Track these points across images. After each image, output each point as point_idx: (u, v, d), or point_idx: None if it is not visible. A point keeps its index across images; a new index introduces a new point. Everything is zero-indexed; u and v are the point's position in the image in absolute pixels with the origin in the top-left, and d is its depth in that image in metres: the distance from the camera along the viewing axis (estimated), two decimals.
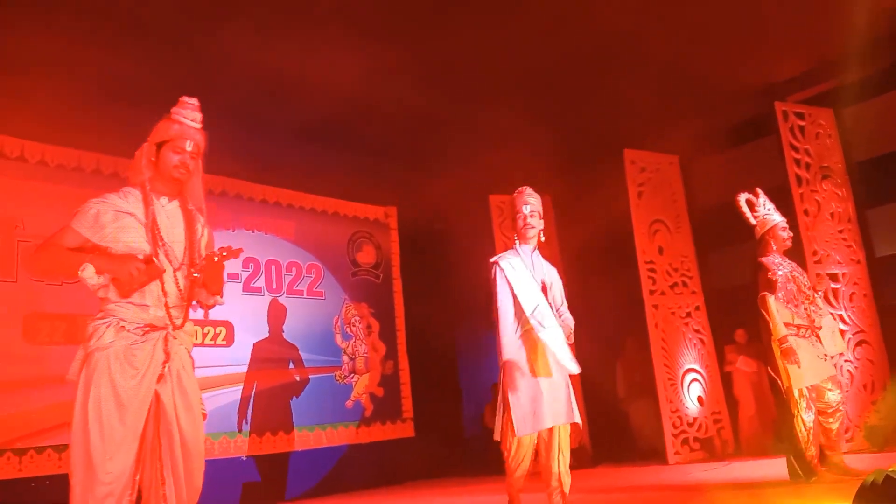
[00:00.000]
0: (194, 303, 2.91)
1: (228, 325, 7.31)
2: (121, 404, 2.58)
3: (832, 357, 5.22)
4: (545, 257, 4.32)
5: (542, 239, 4.24)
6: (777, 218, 5.19)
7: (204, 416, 2.85)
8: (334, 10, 5.70)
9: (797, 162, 7.29)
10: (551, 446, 3.99)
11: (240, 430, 7.13)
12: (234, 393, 7.19)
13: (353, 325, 8.59)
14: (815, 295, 5.06)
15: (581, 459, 8.22)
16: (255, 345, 7.52)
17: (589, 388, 8.66)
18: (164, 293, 2.76)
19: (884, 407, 6.87)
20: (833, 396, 4.82)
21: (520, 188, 4.26)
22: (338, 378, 8.24)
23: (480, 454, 8.33)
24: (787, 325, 4.80)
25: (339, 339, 8.39)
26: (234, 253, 2.82)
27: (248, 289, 7.61)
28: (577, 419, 4.05)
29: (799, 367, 4.67)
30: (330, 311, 8.38)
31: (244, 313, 7.51)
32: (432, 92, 6.85)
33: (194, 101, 2.97)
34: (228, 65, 6.06)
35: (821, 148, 7.45)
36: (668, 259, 8.06)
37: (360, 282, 8.81)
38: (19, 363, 5.95)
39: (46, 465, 5.88)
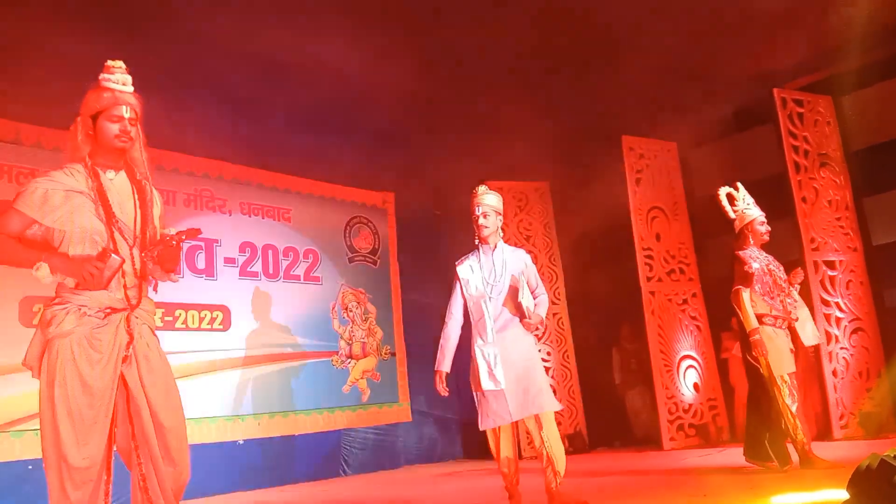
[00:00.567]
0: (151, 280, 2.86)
1: (225, 310, 7.30)
2: (88, 390, 2.53)
3: (810, 349, 5.60)
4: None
5: (499, 234, 4.38)
6: (756, 212, 5.29)
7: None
8: None
9: (795, 149, 7.28)
10: (536, 434, 4.17)
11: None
12: (231, 377, 7.20)
13: (350, 311, 8.59)
14: (791, 288, 5.18)
15: (577, 445, 8.28)
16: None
17: (585, 374, 8.71)
18: (123, 274, 2.68)
19: (878, 394, 6.92)
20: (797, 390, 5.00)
21: (475, 188, 4.38)
22: (335, 363, 8.25)
23: (476, 439, 8.36)
24: (764, 315, 4.99)
25: (335, 324, 8.40)
26: (191, 234, 2.75)
27: (244, 273, 7.60)
28: (544, 409, 4.13)
29: (767, 355, 4.87)
30: (327, 297, 8.38)
31: (241, 298, 7.50)
32: (431, 78, 6.82)
33: (121, 63, 2.83)
34: (225, 49, 6.02)
35: (819, 135, 7.45)
36: (666, 246, 8.07)
37: (357, 267, 8.81)
38: (15, 346, 5.93)
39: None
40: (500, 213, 4.36)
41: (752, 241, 5.23)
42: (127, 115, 2.75)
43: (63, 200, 2.63)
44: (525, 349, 4.23)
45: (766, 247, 5.36)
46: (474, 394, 4.25)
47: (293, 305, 7.99)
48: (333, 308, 8.44)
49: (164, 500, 2.61)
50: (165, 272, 2.85)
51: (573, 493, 4.21)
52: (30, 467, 5.78)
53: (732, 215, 5.31)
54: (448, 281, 4.63)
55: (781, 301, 5.06)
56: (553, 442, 4.12)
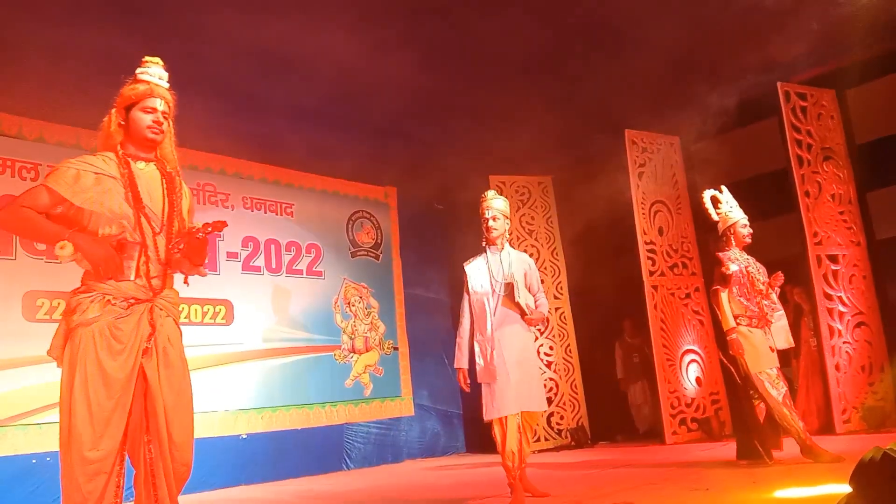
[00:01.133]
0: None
1: (228, 304, 7.32)
2: (107, 380, 2.52)
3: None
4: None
5: (507, 237, 4.71)
6: (738, 215, 5.47)
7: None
8: None
9: (799, 143, 7.26)
10: (522, 429, 4.46)
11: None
12: (234, 371, 7.22)
13: (353, 305, 8.60)
14: (771, 291, 5.34)
15: (580, 439, 8.29)
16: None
17: (587, 368, 8.71)
18: (147, 260, 2.68)
19: (881, 388, 6.91)
20: (782, 387, 5.12)
21: (483, 193, 4.71)
22: (337, 357, 8.26)
23: (478, 432, 8.38)
24: (740, 315, 5.18)
25: (338, 318, 8.40)
26: (217, 227, 2.74)
27: (247, 268, 7.61)
28: (539, 408, 4.54)
29: (744, 353, 5.06)
30: (329, 291, 8.39)
31: (244, 292, 7.52)
32: (433, 71, 6.80)
33: (158, 59, 2.87)
34: (227, 42, 6.01)
35: (823, 129, 7.43)
36: (668, 240, 8.06)
37: (359, 262, 8.81)
38: (18, 341, 5.96)
39: (48, 441, 5.91)
40: (507, 217, 4.65)
41: (734, 243, 5.40)
42: (160, 108, 2.79)
43: (94, 182, 2.64)
44: (523, 345, 4.49)
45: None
46: (482, 387, 4.44)
47: (296, 300, 8.00)
48: (336, 302, 8.45)
49: (170, 496, 2.61)
50: (193, 265, 2.86)
51: (539, 483, 4.61)
52: (34, 461, 5.80)
53: (716, 217, 5.52)
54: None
55: (758, 303, 5.23)
56: (530, 438, 4.52)
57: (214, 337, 7.14)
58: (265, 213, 7.95)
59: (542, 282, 8.73)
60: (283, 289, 7.92)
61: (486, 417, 4.39)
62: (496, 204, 4.62)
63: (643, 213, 7.91)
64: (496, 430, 4.39)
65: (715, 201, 5.54)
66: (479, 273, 4.58)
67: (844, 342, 6.98)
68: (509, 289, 4.45)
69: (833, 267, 7.11)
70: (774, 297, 5.40)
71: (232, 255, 7.51)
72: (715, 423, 7.74)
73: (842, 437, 6.47)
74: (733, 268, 5.23)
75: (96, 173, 2.66)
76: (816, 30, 6.76)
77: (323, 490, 6.22)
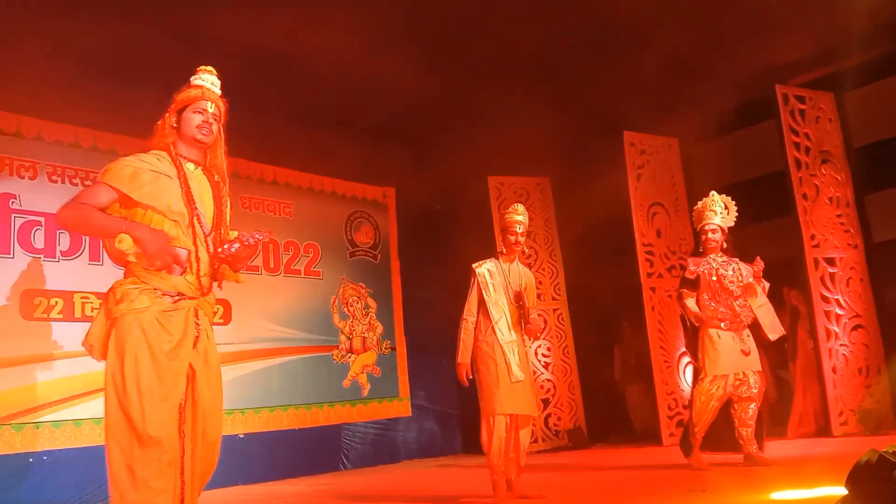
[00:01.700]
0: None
1: (226, 304, 7.31)
2: (158, 368, 2.53)
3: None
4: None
5: (526, 251, 4.87)
6: (708, 218, 5.53)
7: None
8: None
9: (797, 146, 7.28)
10: (513, 431, 4.61)
11: None
12: (231, 371, 7.21)
13: (351, 305, 8.59)
14: (753, 289, 5.41)
15: (577, 440, 8.29)
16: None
17: (585, 369, 8.72)
18: (197, 260, 2.74)
19: (877, 391, 6.93)
20: (744, 389, 5.24)
21: (514, 205, 4.87)
22: (335, 357, 8.26)
23: (476, 433, 8.38)
24: (710, 318, 5.30)
25: (336, 318, 8.40)
26: (267, 236, 2.90)
27: (245, 267, 7.61)
28: (533, 412, 4.70)
29: (705, 354, 5.24)
30: (327, 291, 8.38)
31: (241, 292, 7.49)
32: (433, 72, 6.81)
33: (212, 68, 2.98)
34: (224, 42, 6.00)
35: (821, 132, 7.44)
36: (666, 242, 8.07)
37: (357, 262, 8.80)
38: (16, 339, 5.95)
39: (43, 440, 5.91)
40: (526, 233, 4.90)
41: (704, 248, 5.50)
42: (210, 110, 2.88)
43: (151, 179, 2.69)
44: (525, 352, 4.74)
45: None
46: (482, 384, 4.60)
47: (294, 300, 7.99)
48: (334, 302, 8.44)
49: (192, 495, 2.64)
50: (234, 271, 2.94)
51: (530, 487, 4.69)
52: (30, 460, 5.80)
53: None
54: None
55: (730, 305, 5.28)
56: (525, 442, 4.64)
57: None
58: (263, 212, 7.94)
59: (540, 283, 8.80)
60: (281, 289, 7.91)
61: (499, 411, 4.48)
62: (526, 219, 4.83)
63: (641, 215, 7.91)
64: (494, 430, 4.50)
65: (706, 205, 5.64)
66: (495, 278, 4.76)
67: (841, 345, 7.00)
68: (520, 299, 4.69)
69: (830, 270, 7.13)
70: (760, 290, 5.45)
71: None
72: None
73: (838, 440, 6.48)
74: (699, 270, 5.34)
75: (152, 170, 2.72)
76: (815, 33, 6.78)
77: (320, 490, 6.22)
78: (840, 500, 2.31)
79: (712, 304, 5.30)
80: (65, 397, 6.10)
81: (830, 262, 7.15)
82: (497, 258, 4.87)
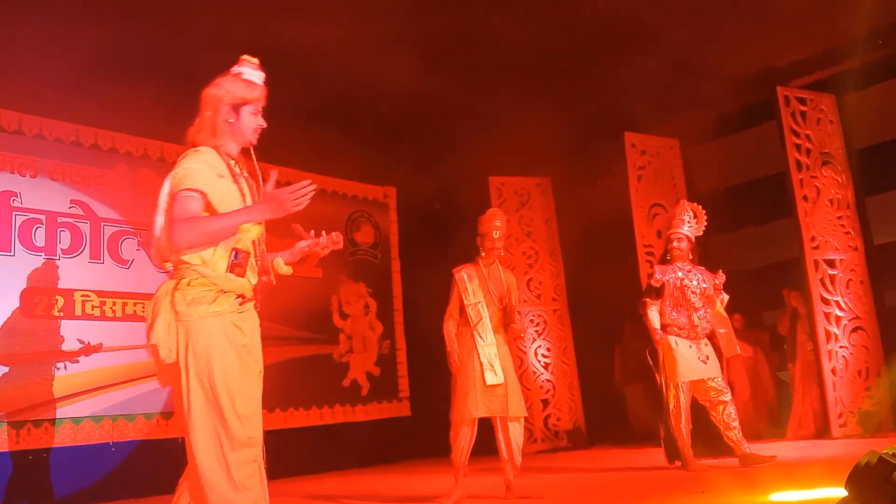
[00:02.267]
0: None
1: None
2: (245, 369, 2.50)
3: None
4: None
5: (503, 253, 5.00)
6: (675, 227, 5.64)
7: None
8: None
9: (798, 147, 7.27)
10: (504, 433, 4.69)
11: None
12: None
13: (351, 305, 8.60)
14: (713, 301, 5.57)
15: (576, 441, 8.30)
16: None
17: (585, 370, 8.72)
18: (256, 260, 2.68)
19: (877, 393, 6.92)
20: (713, 395, 5.38)
21: (491, 210, 5.00)
22: (335, 357, 8.26)
23: (477, 436, 8.38)
24: (669, 325, 5.44)
25: (336, 317, 8.40)
26: (338, 244, 2.98)
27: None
28: (517, 413, 4.67)
29: (665, 362, 5.38)
30: (328, 290, 8.39)
31: None
32: (433, 72, 6.80)
33: (256, 60, 2.84)
34: (225, 40, 5.98)
35: (822, 134, 7.44)
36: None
37: (358, 261, 8.81)
38: (16, 337, 5.95)
39: (43, 438, 5.91)
40: (504, 237, 4.96)
41: (671, 256, 5.60)
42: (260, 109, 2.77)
43: (216, 180, 2.57)
44: (508, 354, 4.80)
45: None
46: (462, 387, 4.71)
47: (294, 299, 8.00)
48: (335, 302, 8.45)
49: None
50: (278, 270, 2.91)
51: (528, 487, 4.76)
52: (30, 458, 5.81)
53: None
54: (450, 276, 4.89)
55: (688, 315, 5.43)
56: (518, 442, 4.67)
57: None
58: None
59: (541, 283, 8.80)
60: (281, 288, 7.90)
61: (473, 414, 4.65)
62: (504, 223, 4.91)
63: (642, 216, 7.90)
64: (462, 431, 4.73)
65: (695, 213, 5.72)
66: (470, 283, 4.83)
67: (841, 347, 6.99)
68: (503, 301, 4.77)
69: (830, 271, 7.12)
70: (720, 305, 5.64)
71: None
72: None
73: (838, 442, 6.48)
74: (665, 277, 5.46)
75: (214, 171, 2.59)
76: (816, 34, 6.79)
77: (320, 490, 6.22)
78: (840, 501, 2.31)
79: (673, 313, 5.46)
80: (66, 395, 6.10)
81: (830, 263, 7.15)
82: (477, 262, 4.93)
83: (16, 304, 6.00)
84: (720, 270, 5.62)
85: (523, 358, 8.49)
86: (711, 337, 5.59)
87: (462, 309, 4.81)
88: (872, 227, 7.51)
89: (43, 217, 6.28)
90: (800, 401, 7.30)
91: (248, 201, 2.65)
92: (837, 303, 7.08)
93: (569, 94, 7.44)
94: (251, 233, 2.64)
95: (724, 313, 5.73)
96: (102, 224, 6.64)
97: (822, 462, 5.20)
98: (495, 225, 4.85)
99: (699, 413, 5.48)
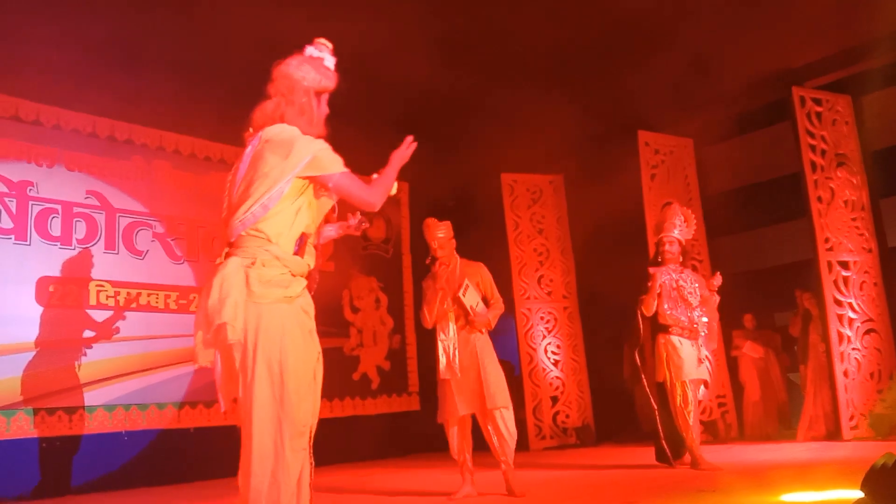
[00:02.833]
0: None
1: None
2: (310, 354, 2.52)
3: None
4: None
5: (456, 256, 5.08)
6: (666, 230, 5.71)
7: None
8: None
9: (812, 148, 7.24)
10: (486, 429, 4.77)
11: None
12: None
13: (362, 299, 8.62)
14: (699, 304, 5.59)
15: (585, 438, 8.30)
16: None
17: (595, 368, 8.71)
18: (318, 239, 2.72)
19: (889, 396, 6.88)
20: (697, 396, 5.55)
21: (426, 221, 5.14)
22: (346, 350, 8.29)
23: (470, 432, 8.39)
24: (671, 325, 5.53)
25: (347, 311, 8.43)
26: (365, 224, 3.04)
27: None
28: (498, 404, 4.70)
29: (671, 362, 5.45)
30: (339, 284, 8.41)
31: None
32: (448, 68, 6.81)
33: (329, 44, 2.85)
34: (235, 35, 6.02)
35: (837, 135, 7.40)
36: None
37: (369, 256, 8.83)
38: (30, 325, 6.01)
39: (57, 425, 5.97)
40: (451, 238, 5.09)
41: (665, 259, 5.68)
42: None
43: None
44: (486, 347, 4.87)
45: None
46: (440, 392, 4.93)
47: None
48: (346, 296, 8.47)
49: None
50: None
51: (520, 482, 4.75)
52: (44, 445, 5.86)
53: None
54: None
55: (687, 315, 5.51)
56: (507, 434, 4.69)
57: None
58: None
59: (551, 280, 8.80)
60: None
61: (439, 419, 4.90)
62: (440, 234, 5.04)
63: (654, 215, 7.88)
64: (450, 432, 4.86)
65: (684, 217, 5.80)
66: (431, 288, 5.01)
67: (853, 349, 6.96)
68: (458, 299, 4.84)
69: (844, 273, 7.09)
70: (713, 304, 5.70)
71: None
72: (721, 425, 7.74)
73: (848, 444, 6.46)
74: (661, 280, 5.55)
75: None
76: (833, 35, 6.75)
77: (329, 483, 6.25)
78: (855, 502, 2.31)
79: (673, 312, 5.53)
80: (78, 384, 6.16)
81: (844, 265, 7.11)
82: (434, 267, 5.08)
83: (31, 292, 6.05)
84: (718, 273, 5.76)
85: (533, 355, 8.51)
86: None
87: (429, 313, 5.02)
88: (887, 230, 7.47)
89: (59, 207, 6.34)
90: (811, 402, 7.28)
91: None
92: (850, 305, 7.05)
93: (583, 91, 7.43)
94: (311, 216, 2.65)
95: (716, 313, 5.84)
96: (118, 215, 6.69)
97: (833, 464, 5.18)
98: (431, 235, 5.04)
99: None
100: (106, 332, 6.40)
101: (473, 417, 4.86)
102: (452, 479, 5.04)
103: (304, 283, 2.57)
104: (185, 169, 7.27)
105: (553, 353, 8.59)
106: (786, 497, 3.81)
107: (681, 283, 5.59)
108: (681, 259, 5.73)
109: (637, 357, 5.83)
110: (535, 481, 5.28)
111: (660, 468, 5.67)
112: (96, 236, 6.52)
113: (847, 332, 6.97)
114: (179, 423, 6.71)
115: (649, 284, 5.60)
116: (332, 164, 2.59)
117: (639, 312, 5.69)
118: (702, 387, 5.65)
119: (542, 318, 8.67)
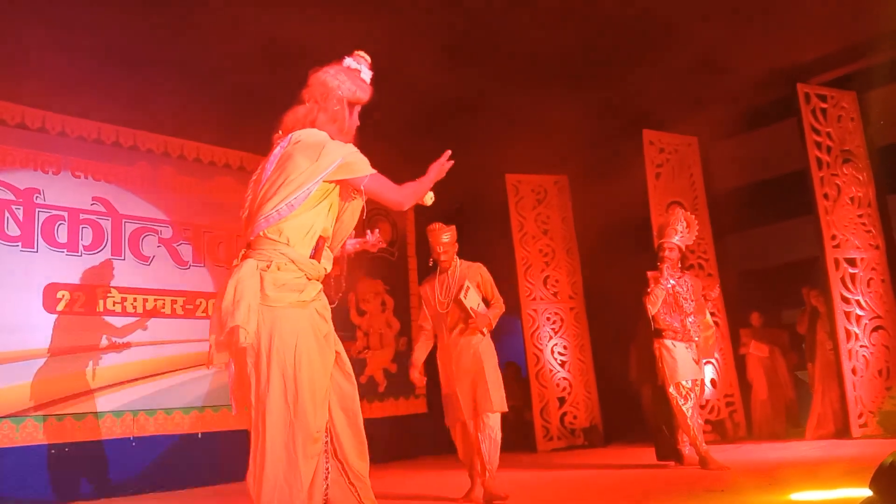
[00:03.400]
0: None
1: None
2: (324, 361, 2.52)
3: (704, 362, 6.35)
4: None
5: (457, 261, 5.07)
6: (668, 236, 5.76)
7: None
8: None
9: (818, 145, 7.22)
10: (476, 434, 4.76)
11: None
12: None
13: (368, 302, 8.63)
14: (696, 311, 5.69)
15: (593, 439, 8.29)
16: None
17: (603, 369, 8.70)
18: (333, 248, 2.76)
19: None
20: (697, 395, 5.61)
21: (431, 226, 5.13)
22: (352, 353, 8.30)
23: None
24: (666, 329, 5.60)
25: (354, 314, 8.44)
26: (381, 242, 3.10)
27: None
28: (490, 409, 4.69)
29: (665, 364, 5.52)
30: (345, 287, 8.41)
31: None
32: (451, 70, 6.81)
33: (368, 57, 2.90)
34: (246, 39, 6.03)
35: (842, 131, 7.38)
36: None
37: (375, 259, 8.83)
38: (38, 332, 6.03)
39: (66, 432, 5.99)
40: (455, 243, 5.10)
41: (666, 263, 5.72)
42: None
43: None
44: (474, 354, 4.82)
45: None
46: (443, 395, 4.95)
47: None
48: (352, 299, 8.48)
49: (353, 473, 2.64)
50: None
51: (501, 487, 4.69)
52: (52, 451, 5.87)
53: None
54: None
55: (682, 321, 5.61)
56: (485, 440, 4.65)
57: None
58: None
59: (557, 281, 8.79)
60: None
61: (447, 422, 4.91)
62: (444, 239, 5.03)
63: (660, 214, 7.88)
64: (455, 433, 4.89)
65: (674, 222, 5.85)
66: (430, 292, 5.03)
67: (861, 346, 6.94)
68: (459, 301, 4.84)
69: (851, 270, 7.06)
70: (708, 311, 5.91)
71: None
72: (729, 424, 7.71)
73: (857, 442, 6.43)
74: (659, 288, 5.61)
75: None
76: (838, 31, 6.72)
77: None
78: (864, 501, 2.30)
79: (667, 318, 5.62)
80: (87, 390, 6.17)
81: (851, 262, 7.09)
82: (434, 272, 5.12)
83: (38, 299, 6.07)
84: (718, 286, 6.07)
85: (539, 355, 8.49)
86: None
87: (433, 318, 5.02)
88: (894, 226, 7.44)
89: (65, 214, 6.36)
90: (819, 400, 7.25)
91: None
92: (858, 302, 7.02)
93: (587, 91, 7.41)
94: (330, 220, 2.69)
95: (710, 321, 6.00)
96: (124, 220, 6.71)
97: (842, 462, 5.16)
98: (436, 239, 5.04)
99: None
100: (125, 336, 6.45)
101: None
102: (461, 481, 5.04)
103: (320, 286, 2.58)
104: (190, 174, 7.28)
105: (560, 353, 8.57)
106: (795, 496, 3.80)
107: (677, 288, 5.67)
108: (679, 265, 5.79)
109: (644, 357, 5.89)
110: (542, 482, 5.28)
111: (667, 468, 5.66)
112: (103, 242, 6.54)
113: (855, 329, 6.94)
114: (188, 429, 6.72)
115: (647, 289, 5.69)
116: (363, 166, 2.62)
117: (646, 310, 5.71)
118: (707, 386, 5.66)
119: (548, 319, 8.66)
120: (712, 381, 7.81)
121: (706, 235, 8.20)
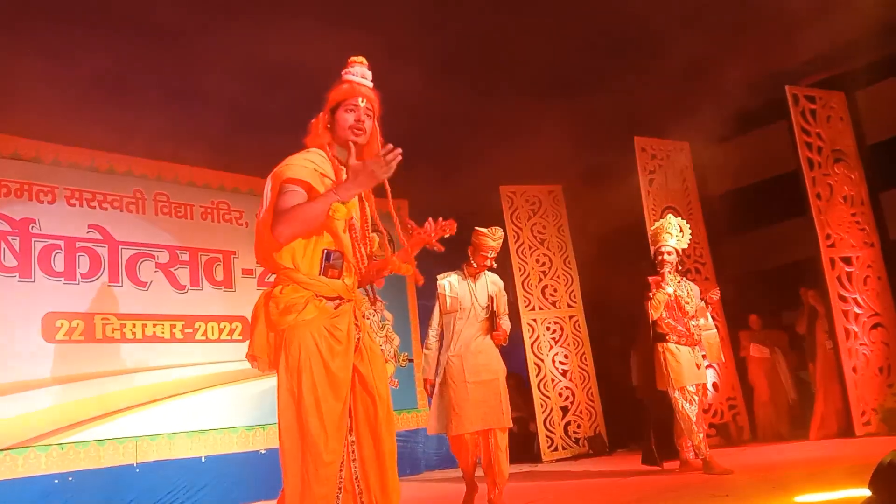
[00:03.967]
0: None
1: (244, 320, 7.36)
2: (334, 383, 2.44)
3: (707, 366, 6.35)
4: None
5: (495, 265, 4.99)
6: (663, 241, 5.79)
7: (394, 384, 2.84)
8: None
9: (809, 146, 7.25)
10: (488, 446, 4.67)
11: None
12: (252, 387, 7.26)
13: (367, 318, 8.60)
14: (697, 313, 5.74)
15: (597, 447, 8.27)
16: None
17: (603, 376, 8.69)
18: (357, 260, 2.69)
19: None
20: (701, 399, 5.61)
21: (492, 229, 4.93)
22: None
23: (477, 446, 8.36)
24: (668, 333, 5.59)
25: None
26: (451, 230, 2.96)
27: (262, 284, 7.65)
28: (504, 424, 4.65)
29: (669, 368, 5.49)
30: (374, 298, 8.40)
31: None
32: (443, 83, 6.84)
33: (362, 59, 2.80)
34: (229, 59, 6.04)
35: (833, 131, 7.42)
36: None
37: None
38: (38, 362, 6.02)
39: (69, 462, 5.97)
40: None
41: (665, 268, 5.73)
42: (362, 105, 2.70)
43: (320, 179, 2.57)
44: (488, 362, 4.74)
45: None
46: (444, 401, 4.75)
47: None
48: None
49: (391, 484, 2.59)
50: (379, 276, 2.97)
51: (509, 500, 4.70)
52: (56, 481, 5.86)
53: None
54: None
55: (685, 324, 5.62)
56: (501, 456, 4.62)
57: (231, 353, 7.18)
58: None
59: (555, 290, 8.80)
60: None
61: (453, 432, 4.62)
62: (499, 245, 4.94)
63: (654, 220, 7.89)
64: (460, 444, 4.68)
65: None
66: (454, 290, 4.88)
67: (861, 344, 6.95)
68: (489, 310, 4.79)
69: (847, 269, 7.09)
70: (709, 314, 5.95)
71: (247, 272, 7.57)
72: (733, 427, 7.70)
73: (861, 440, 6.43)
74: (661, 292, 5.61)
75: (318, 170, 2.59)
76: (824, 34, 6.76)
77: None
78: (864, 501, 2.30)
79: (670, 321, 5.61)
80: (89, 418, 6.16)
81: (847, 261, 7.11)
82: (463, 270, 4.97)
83: (37, 328, 6.07)
84: (717, 288, 6.07)
85: (541, 365, 8.49)
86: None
87: (443, 318, 4.92)
88: (888, 223, 7.47)
89: (62, 242, 6.37)
90: (821, 400, 7.25)
91: (354, 203, 2.56)
92: (855, 300, 7.04)
93: (578, 100, 7.44)
94: (339, 224, 2.61)
95: (712, 324, 6.01)
96: (120, 247, 6.72)
97: (845, 461, 5.16)
98: (490, 245, 4.87)
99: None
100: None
101: None
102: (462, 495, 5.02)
103: (328, 303, 2.51)
104: (185, 198, 7.30)
105: (561, 362, 8.57)
106: (799, 498, 3.80)
107: (678, 292, 5.68)
108: (679, 267, 5.80)
109: (646, 363, 5.85)
110: (548, 492, 5.27)
111: (676, 473, 5.65)
112: (100, 270, 6.54)
113: (853, 327, 6.96)
114: (191, 452, 6.70)
115: (648, 294, 5.69)
116: (279, 174, 2.56)
117: (647, 315, 5.71)
118: (710, 390, 5.67)
119: (547, 328, 8.66)
120: (714, 385, 7.80)
121: (701, 240, 8.22)
